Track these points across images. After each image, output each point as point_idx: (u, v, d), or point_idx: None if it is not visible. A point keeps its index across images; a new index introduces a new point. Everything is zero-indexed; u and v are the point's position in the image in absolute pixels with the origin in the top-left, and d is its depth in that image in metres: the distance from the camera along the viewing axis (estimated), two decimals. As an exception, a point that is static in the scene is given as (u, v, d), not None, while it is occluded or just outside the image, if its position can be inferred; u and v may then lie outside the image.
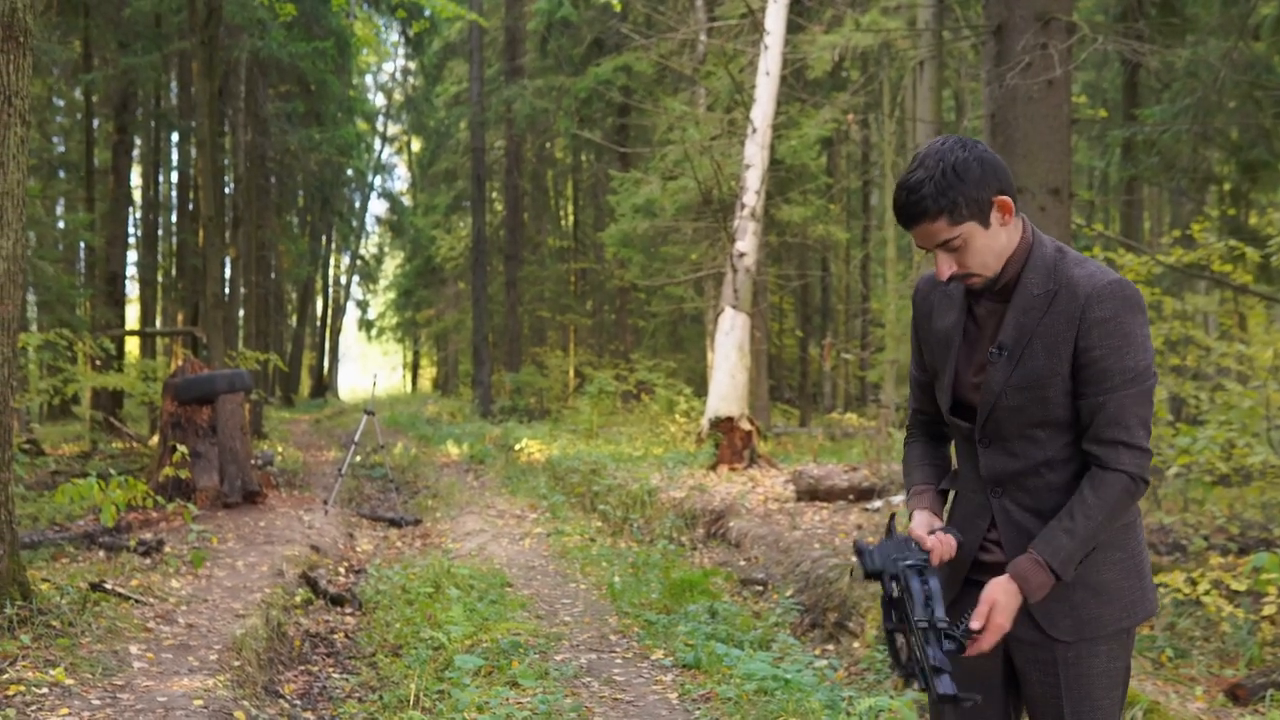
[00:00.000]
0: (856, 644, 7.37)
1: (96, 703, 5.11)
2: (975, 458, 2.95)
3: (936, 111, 17.03)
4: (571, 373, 33.03)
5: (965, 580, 2.97)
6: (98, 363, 21.31)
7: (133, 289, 33.34)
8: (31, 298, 21.99)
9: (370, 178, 46.78)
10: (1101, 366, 2.72)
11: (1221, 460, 8.15)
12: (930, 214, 2.71)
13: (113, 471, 8.55)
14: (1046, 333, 2.77)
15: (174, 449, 11.07)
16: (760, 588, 9.18)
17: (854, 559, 2.86)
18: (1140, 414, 2.73)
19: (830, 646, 7.59)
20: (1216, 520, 9.47)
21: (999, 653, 2.90)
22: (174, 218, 34.21)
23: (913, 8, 18.51)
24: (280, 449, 19.28)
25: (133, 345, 32.81)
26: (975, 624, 2.71)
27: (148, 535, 9.54)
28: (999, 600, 2.73)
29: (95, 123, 27.43)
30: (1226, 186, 17.04)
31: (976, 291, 2.91)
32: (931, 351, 3.03)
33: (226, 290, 25.15)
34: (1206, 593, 6.70)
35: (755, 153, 16.09)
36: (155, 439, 15.57)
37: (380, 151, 50.10)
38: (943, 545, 2.84)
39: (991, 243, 2.76)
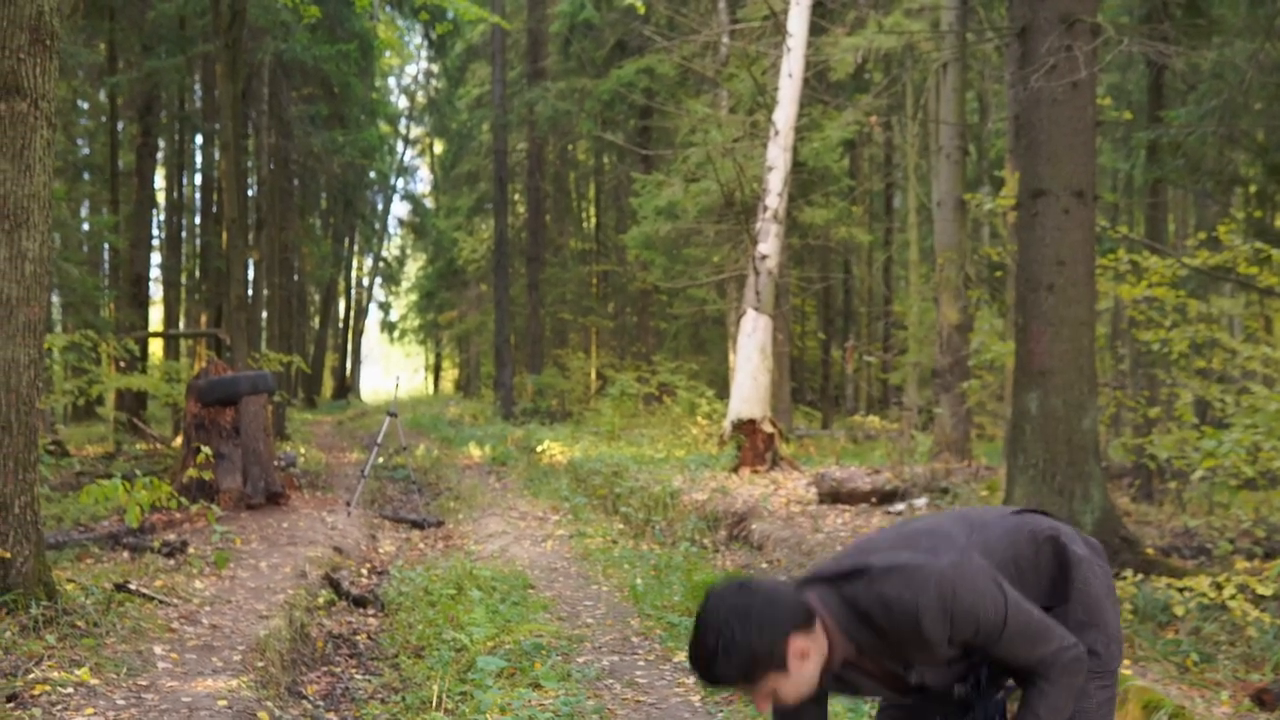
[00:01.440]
0: (879, 647, 7.35)
1: (121, 703, 5.13)
2: None
3: (960, 114, 16.95)
4: (593, 375, 33.02)
5: None
6: (122, 364, 21.41)
7: (156, 291, 33.48)
8: (56, 299, 22.12)
9: (393, 180, 46.83)
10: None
11: (1247, 464, 8.10)
12: (728, 683, 2.80)
13: (137, 473, 8.56)
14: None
15: (198, 450, 11.10)
16: (782, 590, 9.16)
17: None
18: (1050, 628, 2.93)
19: (853, 650, 7.57)
20: (1242, 524, 9.42)
21: None
22: (198, 220, 34.31)
23: (936, 10, 18.44)
24: (303, 450, 19.34)
25: (156, 347, 32.92)
26: None
27: (172, 536, 9.58)
28: None
29: (120, 125, 27.55)
30: (1252, 189, 16.94)
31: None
32: None
33: (250, 292, 25.22)
34: (1232, 597, 6.67)
35: (778, 155, 16.07)
36: (179, 440, 15.62)
37: (403, 154, 50.20)
38: None
39: (797, 679, 2.82)
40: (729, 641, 2.70)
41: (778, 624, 2.74)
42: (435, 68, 47.27)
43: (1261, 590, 6.69)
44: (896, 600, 2.78)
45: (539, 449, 19.28)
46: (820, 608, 2.86)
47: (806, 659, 2.79)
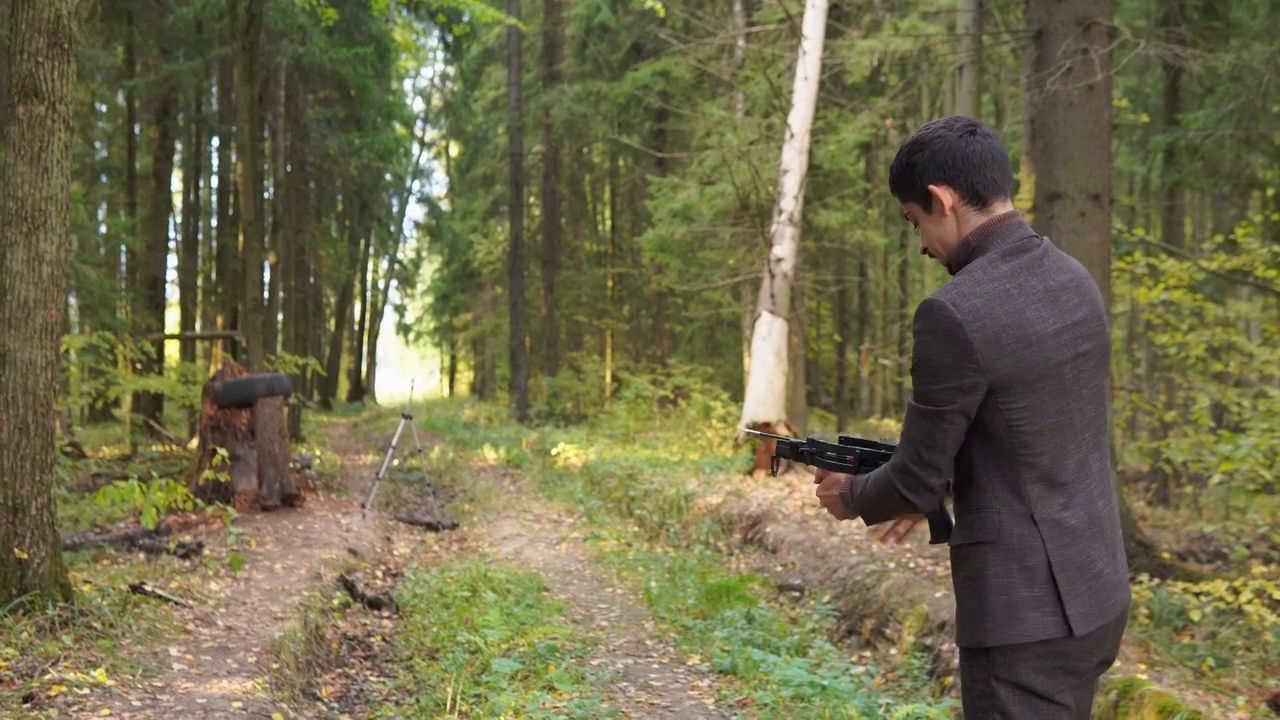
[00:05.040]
0: (894, 650, 7.35)
1: (137, 704, 5.15)
2: None
3: (976, 116, 16.92)
4: (608, 377, 33.02)
5: None
6: (138, 366, 21.50)
7: (173, 293, 33.55)
8: (74, 301, 22.19)
9: (408, 182, 46.96)
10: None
11: (1264, 468, 8.07)
12: (891, 185, 2.96)
13: (153, 474, 8.60)
14: None
15: (213, 452, 11.14)
16: (797, 594, 9.16)
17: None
18: (909, 432, 2.78)
19: (867, 653, 7.57)
20: (1259, 528, 9.39)
21: None
22: (214, 222, 34.42)
23: (952, 13, 18.41)
24: (318, 452, 19.38)
25: (173, 349, 33.04)
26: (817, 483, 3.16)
27: (187, 538, 9.61)
28: (830, 481, 3.08)
29: (137, 128, 27.63)
30: (1270, 192, 16.88)
31: None
32: None
33: (266, 294, 25.29)
34: (1249, 602, 6.64)
35: (793, 158, 16.06)
36: (195, 442, 15.67)
37: (418, 156, 50.30)
38: None
39: (934, 228, 2.91)
40: (909, 147, 2.88)
41: (943, 168, 2.84)
42: (451, 70, 47.40)
43: (1278, 595, 6.66)
44: (942, 288, 2.77)
45: (554, 452, 19.30)
46: (1000, 230, 2.91)
47: (946, 216, 2.87)
